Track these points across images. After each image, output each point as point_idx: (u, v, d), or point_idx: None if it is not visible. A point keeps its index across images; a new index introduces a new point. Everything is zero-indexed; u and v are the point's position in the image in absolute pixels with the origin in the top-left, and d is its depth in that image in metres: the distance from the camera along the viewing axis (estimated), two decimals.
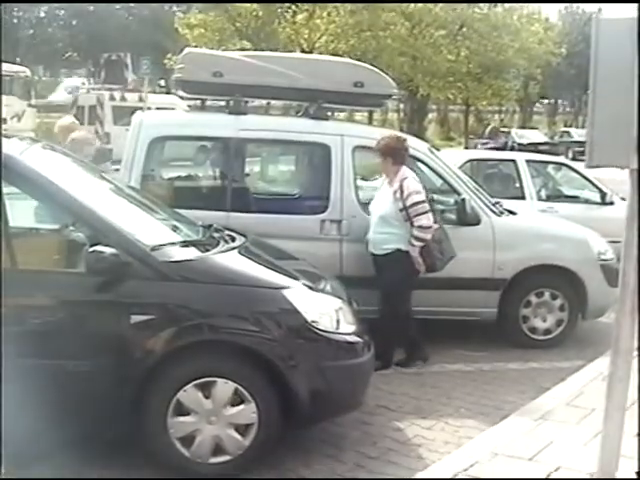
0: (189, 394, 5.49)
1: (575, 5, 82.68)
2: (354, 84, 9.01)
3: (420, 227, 7.95)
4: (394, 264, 8.04)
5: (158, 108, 20.02)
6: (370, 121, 46.77)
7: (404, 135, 8.77)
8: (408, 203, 7.94)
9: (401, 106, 62.98)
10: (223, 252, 6.08)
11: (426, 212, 7.99)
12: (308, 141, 9.09)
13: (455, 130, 66.40)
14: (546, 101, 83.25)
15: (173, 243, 5.88)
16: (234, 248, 6.28)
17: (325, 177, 8.78)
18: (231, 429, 5.56)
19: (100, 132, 30.90)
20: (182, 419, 5.51)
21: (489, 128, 16.45)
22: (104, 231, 5.49)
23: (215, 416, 5.52)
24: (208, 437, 5.54)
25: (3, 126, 26.46)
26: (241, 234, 6.75)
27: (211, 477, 5.60)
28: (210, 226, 6.77)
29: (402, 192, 7.95)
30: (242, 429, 5.57)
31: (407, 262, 8.05)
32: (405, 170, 8.16)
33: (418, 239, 7.98)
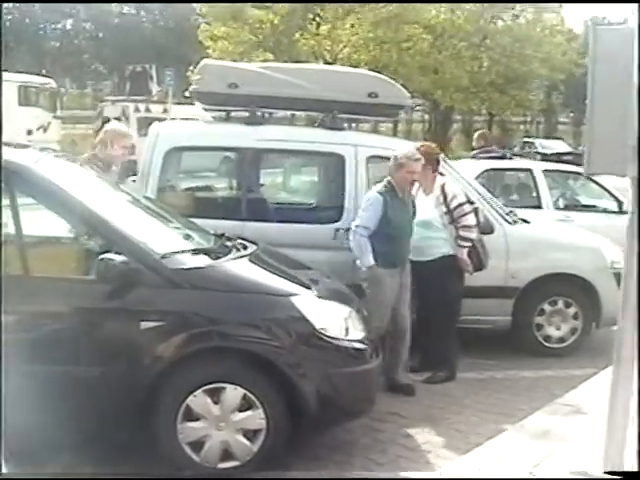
0: (198, 399, 5.57)
1: (601, 16, 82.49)
2: (368, 94, 9.08)
3: (465, 227, 8.08)
4: (444, 269, 8.07)
5: (183, 119, 20.19)
6: (395, 132, 46.83)
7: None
8: (453, 205, 8.07)
9: (425, 117, 63.01)
10: (233, 260, 6.16)
11: (470, 212, 8.14)
12: (323, 151, 9.13)
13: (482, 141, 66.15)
14: (571, 113, 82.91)
15: (184, 251, 5.96)
16: (245, 256, 6.36)
17: (339, 187, 8.83)
18: (239, 435, 5.64)
19: None
20: (191, 424, 5.59)
21: (477, 134, 13.86)
22: (114, 239, 5.59)
23: (224, 422, 5.60)
24: (217, 442, 5.62)
25: (29, 137, 26.76)
26: (253, 242, 6.83)
27: None
28: (222, 235, 6.86)
29: (445, 196, 8.07)
30: (250, 435, 5.65)
31: (457, 266, 8.15)
32: (439, 176, 8.31)
33: (465, 239, 8.09)
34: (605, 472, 5.10)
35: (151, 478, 5.53)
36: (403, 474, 5.79)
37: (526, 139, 52.41)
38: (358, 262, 7.72)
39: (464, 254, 8.12)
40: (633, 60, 4.32)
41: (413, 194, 8.04)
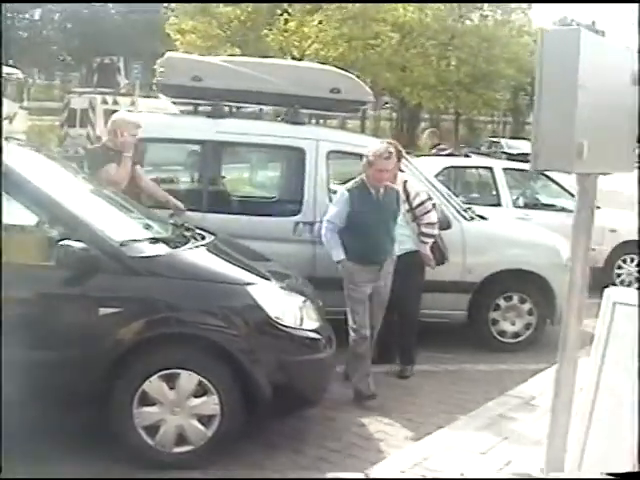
0: (154, 385, 5.68)
1: (570, 18, 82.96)
2: (331, 90, 9.17)
3: (428, 224, 8.21)
4: (408, 265, 8.09)
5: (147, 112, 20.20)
6: (362, 129, 46.94)
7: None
8: (415, 203, 8.18)
9: (393, 115, 63.19)
10: (191, 249, 6.27)
11: (432, 209, 8.26)
12: (284, 145, 9.22)
13: (447, 139, 66.41)
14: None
15: (142, 239, 6.07)
16: (203, 245, 6.48)
17: (299, 180, 8.94)
18: (194, 420, 5.75)
19: (92, 135, 31.00)
20: (147, 409, 5.70)
21: (427, 133, 13.28)
22: (74, 226, 5.68)
23: (179, 407, 5.71)
24: (172, 427, 5.73)
25: None
26: (211, 233, 6.93)
27: (175, 466, 5.75)
28: (182, 225, 6.96)
29: (408, 194, 8.16)
30: (205, 420, 5.77)
31: (419, 261, 8.28)
32: (400, 172, 8.33)
33: (428, 235, 8.23)
34: (608, 474, 5.19)
35: (150, 478, 5.61)
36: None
37: (492, 139, 52.63)
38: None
39: (427, 250, 8.25)
40: (579, 61, 4.46)
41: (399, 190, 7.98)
